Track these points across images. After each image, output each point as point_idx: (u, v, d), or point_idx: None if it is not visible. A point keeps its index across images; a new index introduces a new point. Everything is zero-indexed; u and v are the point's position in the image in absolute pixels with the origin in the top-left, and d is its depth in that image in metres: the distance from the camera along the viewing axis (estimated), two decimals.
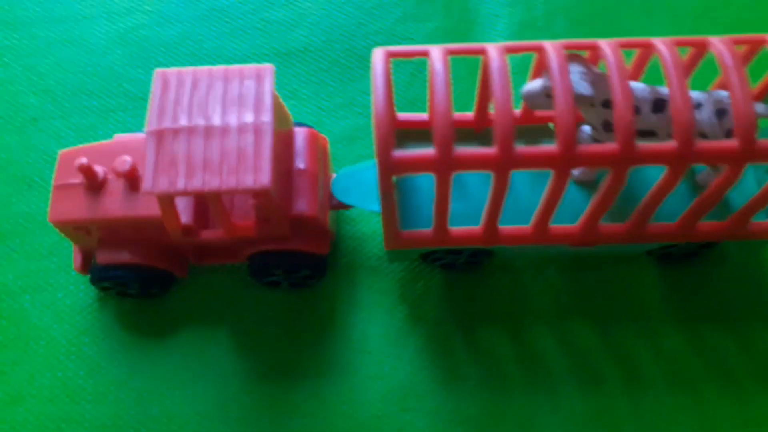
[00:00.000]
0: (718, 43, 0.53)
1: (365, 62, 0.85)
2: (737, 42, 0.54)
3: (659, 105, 0.57)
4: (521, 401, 0.67)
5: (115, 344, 0.71)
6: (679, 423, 0.65)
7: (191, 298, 0.73)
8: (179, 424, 0.67)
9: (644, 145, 0.51)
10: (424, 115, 0.68)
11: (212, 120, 0.59)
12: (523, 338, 0.69)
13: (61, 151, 0.69)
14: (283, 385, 0.69)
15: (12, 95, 0.85)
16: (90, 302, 0.73)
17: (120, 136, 0.71)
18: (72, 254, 0.74)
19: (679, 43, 0.54)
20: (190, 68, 0.61)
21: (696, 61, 0.60)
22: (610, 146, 0.51)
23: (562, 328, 0.69)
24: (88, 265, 0.71)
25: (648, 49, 0.55)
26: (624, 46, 0.54)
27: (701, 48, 0.57)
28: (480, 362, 0.68)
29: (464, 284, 0.72)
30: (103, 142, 0.70)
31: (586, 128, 0.64)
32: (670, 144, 0.50)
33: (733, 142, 0.50)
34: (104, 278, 0.68)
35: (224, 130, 0.58)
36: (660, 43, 0.53)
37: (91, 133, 0.83)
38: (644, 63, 0.61)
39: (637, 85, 0.58)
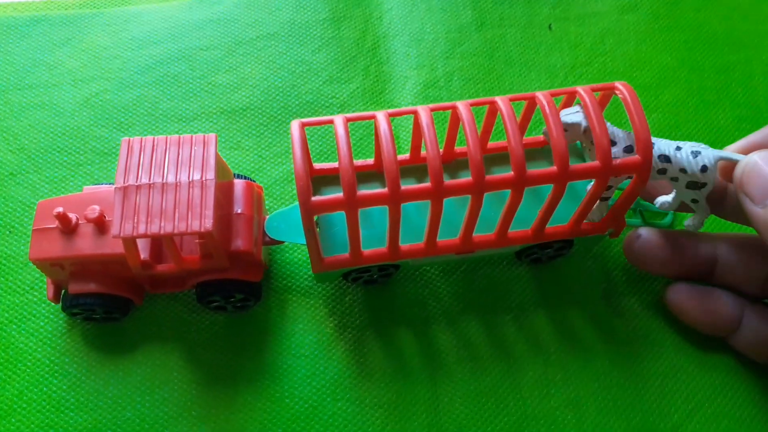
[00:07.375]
0: (540, 96, 0.70)
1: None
2: (554, 94, 0.72)
3: None
4: (426, 385, 0.81)
5: (91, 361, 0.82)
6: (547, 380, 0.82)
7: (148, 321, 0.84)
8: (150, 423, 0.78)
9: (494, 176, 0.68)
10: (334, 164, 0.83)
11: (167, 178, 0.71)
12: (428, 335, 0.84)
13: (39, 202, 0.79)
14: (234, 387, 0.81)
15: None
16: (68, 328, 0.83)
17: (88, 188, 0.82)
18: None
19: (513, 99, 0.71)
20: (150, 137, 0.74)
21: (531, 110, 0.78)
22: (468, 180, 0.67)
23: (458, 323, 0.85)
24: (59, 295, 0.81)
25: (493, 104, 0.72)
26: (474, 104, 0.71)
27: (531, 101, 0.75)
28: (393, 357, 0.83)
29: (381, 295, 0.86)
30: (75, 194, 0.80)
31: None
32: (510, 174, 0.68)
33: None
34: (75, 305, 0.78)
35: (176, 185, 0.71)
36: (499, 100, 0.70)
37: (63, 185, 0.92)
38: (494, 114, 0.77)
39: None
